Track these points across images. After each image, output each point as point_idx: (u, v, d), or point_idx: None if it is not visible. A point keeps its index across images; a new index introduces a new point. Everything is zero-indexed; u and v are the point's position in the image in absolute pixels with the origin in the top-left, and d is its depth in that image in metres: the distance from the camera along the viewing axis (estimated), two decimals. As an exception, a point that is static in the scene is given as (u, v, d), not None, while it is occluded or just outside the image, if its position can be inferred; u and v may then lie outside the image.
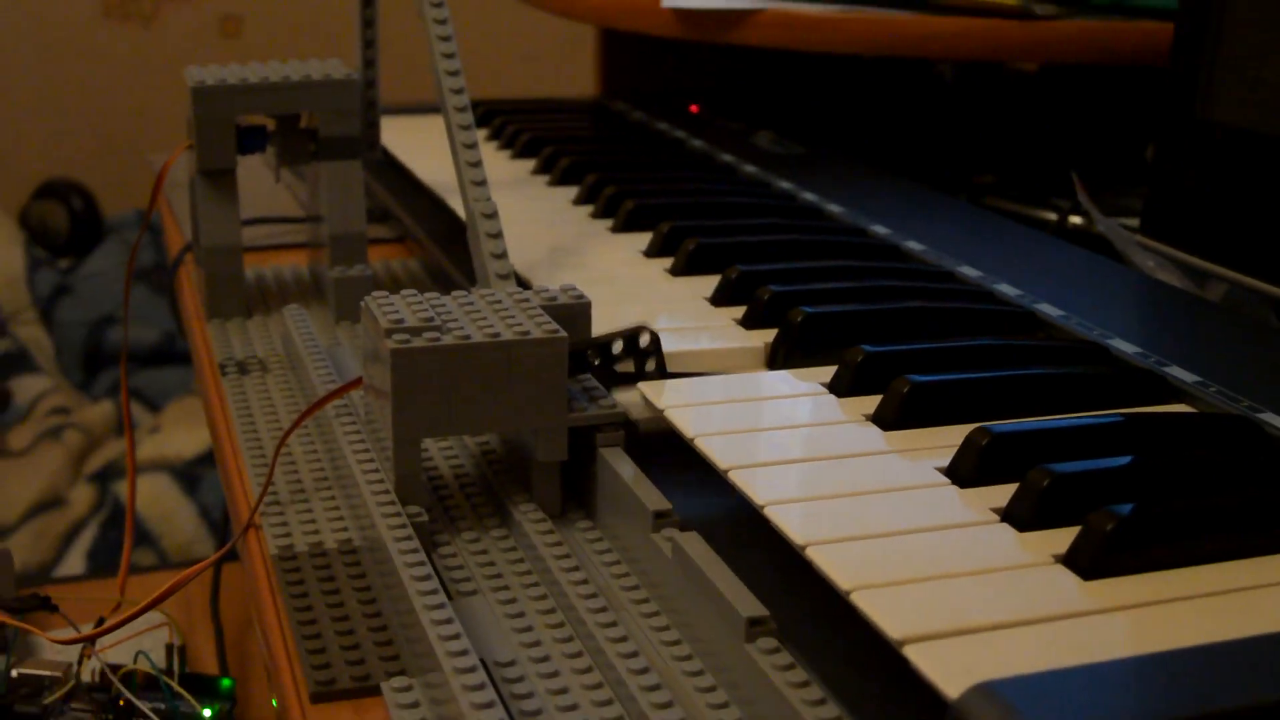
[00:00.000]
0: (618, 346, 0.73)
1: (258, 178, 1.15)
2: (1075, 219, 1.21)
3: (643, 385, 0.71)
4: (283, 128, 1.05)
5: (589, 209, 1.08)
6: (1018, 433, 0.63)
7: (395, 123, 1.38)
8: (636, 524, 0.66)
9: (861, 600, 0.53)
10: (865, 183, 1.13)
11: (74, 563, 1.71)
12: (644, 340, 0.73)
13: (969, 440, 0.63)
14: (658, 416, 0.70)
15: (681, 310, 0.85)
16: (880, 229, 0.99)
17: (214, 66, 1.04)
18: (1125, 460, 0.60)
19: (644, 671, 0.59)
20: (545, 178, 1.19)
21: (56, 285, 2.38)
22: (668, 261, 0.94)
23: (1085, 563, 0.53)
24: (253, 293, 1.09)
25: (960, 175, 1.38)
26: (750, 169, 1.18)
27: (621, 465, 0.69)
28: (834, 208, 1.05)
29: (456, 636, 0.58)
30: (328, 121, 1.02)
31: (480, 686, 0.55)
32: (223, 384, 0.93)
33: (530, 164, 1.23)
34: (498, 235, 0.85)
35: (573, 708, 0.58)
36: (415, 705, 0.59)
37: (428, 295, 0.73)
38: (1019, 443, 0.60)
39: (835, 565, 0.55)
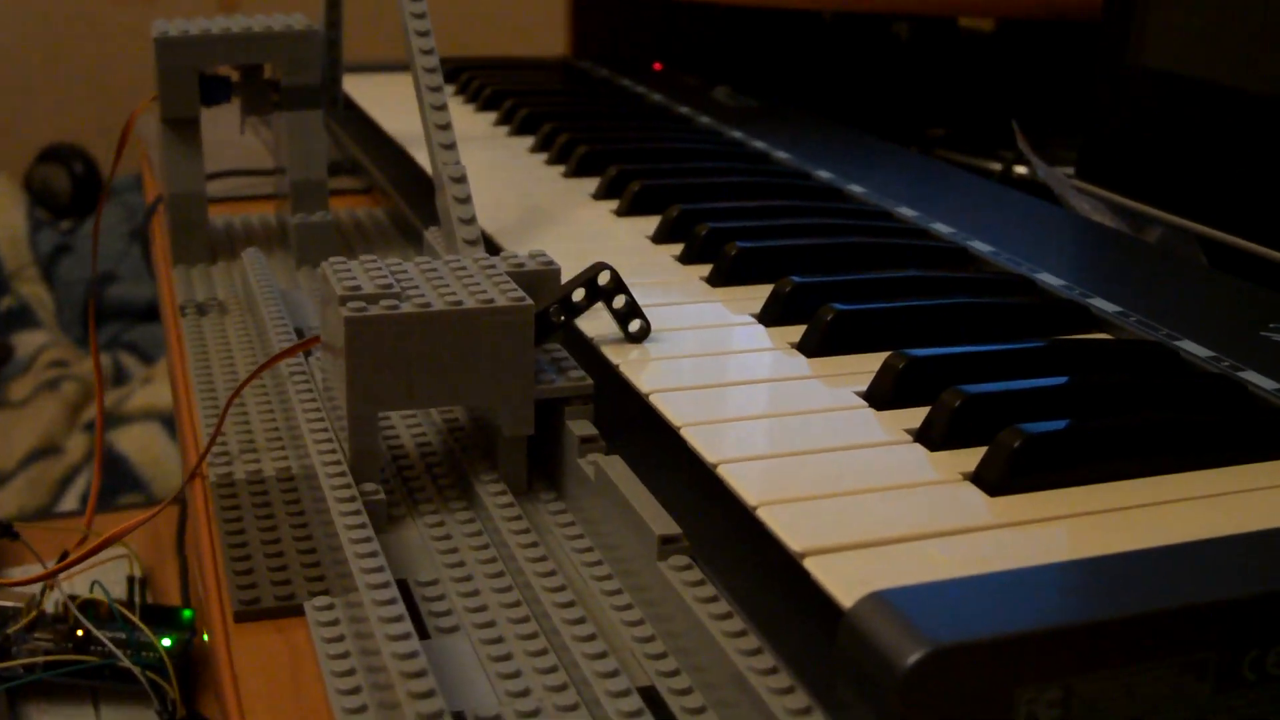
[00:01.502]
0: (579, 294, 0.67)
1: (234, 131, 1.13)
2: (1020, 169, 1.18)
3: (624, 366, 0.65)
4: (246, 78, 1.03)
5: (544, 156, 1.06)
6: (934, 357, 0.61)
7: (364, 79, 1.37)
8: (635, 535, 0.58)
9: (767, 515, 0.50)
10: (815, 133, 1.11)
11: (69, 505, 1.69)
12: (603, 279, 0.68)
13: (886, 364, 0.61)
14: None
15: (623, 247, 0.82)
16: (824, 174, 0.97)
17: (179, 20, 1.01)
18: (1039, 382, 0.58)
19: (560, 589, 0.57)
20: (506, 128, 1.17)
21: (57, 245, 2.35)
22: (616, 204, 0.91)
23: (993, 479, 0.51)
24: (220, 239, 1.07)
25: (913, 129, 1.35)
26: (705, 120, 1.15)
27: (605, 462, 0.62)
28: (781, 155, 1.02)
29: (374, 555, 0.56)
30: (289, 72, 1.00)
31: (392, 601, 0.53)
32: (181, 324, 0.90)
33: (492, 116, 1.21)
34: (466, 200, 0.81)
35: (489, 624, 0.55)
36: (335, 623, 0.56)
37: (389, 262, 0.68)
38: (935, 367, 0.58)
39: (744, 483, 0.52)
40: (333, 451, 0.64)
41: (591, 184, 0.96)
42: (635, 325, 0.67)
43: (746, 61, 1.50)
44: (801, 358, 0.65)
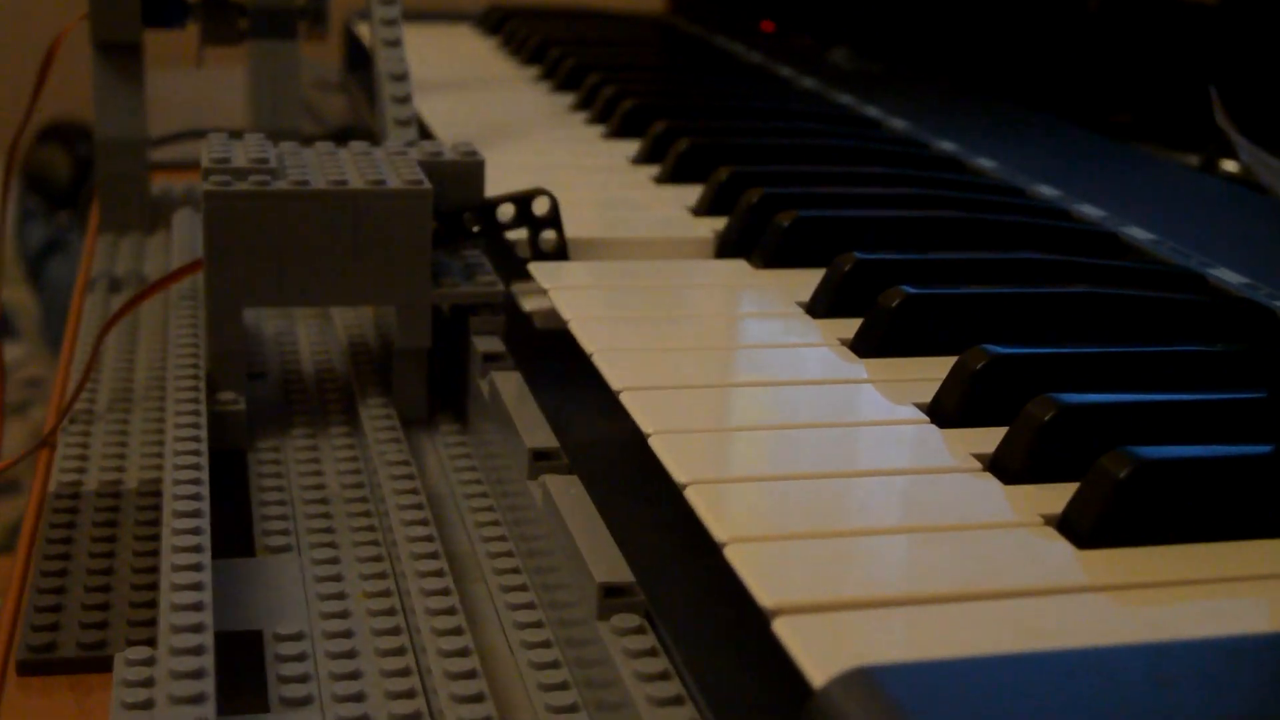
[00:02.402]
0: (507, 211, 0.67)
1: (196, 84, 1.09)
2: (1227, 164, 1.08)
3: (533, 265, 0.64)
4: None
5: (585, 115, 1.00)
6: (1026, 358, 0.53)
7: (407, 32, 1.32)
8: (511, 451, 0.59)
9: (737, 556, 0.42)
10: (947, 103, 1.06)
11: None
12: (540, 207, 0.67)
13: (960, 365, 0.52)
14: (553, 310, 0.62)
15: (654, 220, 0.76)
16: (947, 145, 0.89)
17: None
18: (1165, 397, 0.50)
19: (462, 654, 0.49)
20: (548, 83, 1.11)
21: (49, 240, 2.34)
22: (658, 169, 0.84)
23: (1085, 524, 0.44)
24: (167, 208, 1.01)
25: (1093, 114, 1.26)
26: (808, 84, 1.08)
27: (511, 388, 0.62)
28: (896, 123, 0.94)
29: (197, 593, 0.48)
30: None
31: (196, 651, 0.45)
32: (85, 303, 0.84)
33: (536, 70, 1.16)
34: (404, 100, 0.81)
35: (357, 697, 0.47)
36: (146, 683, 0.48)
37: (286, 144, 0.69)
38: (1027, 370, 0.52)
39: (714, 514, 0.44)
40: (193, 410, 0.61)
41: (634, 147, 0.89)
42: (547, 242, 0.68)
43: (885, 27, 1.42)
44: (854, 358, 0.57)
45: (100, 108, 0.96)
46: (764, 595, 0.40)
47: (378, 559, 0.56)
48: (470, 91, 1.09)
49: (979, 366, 0.52)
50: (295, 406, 0.68)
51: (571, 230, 0.69)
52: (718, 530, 0.43)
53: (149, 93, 0.99)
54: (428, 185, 0.63)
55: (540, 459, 0.57)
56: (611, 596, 0.48)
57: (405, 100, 0.80)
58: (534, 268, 0.63)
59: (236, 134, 0.87)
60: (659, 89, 1.02)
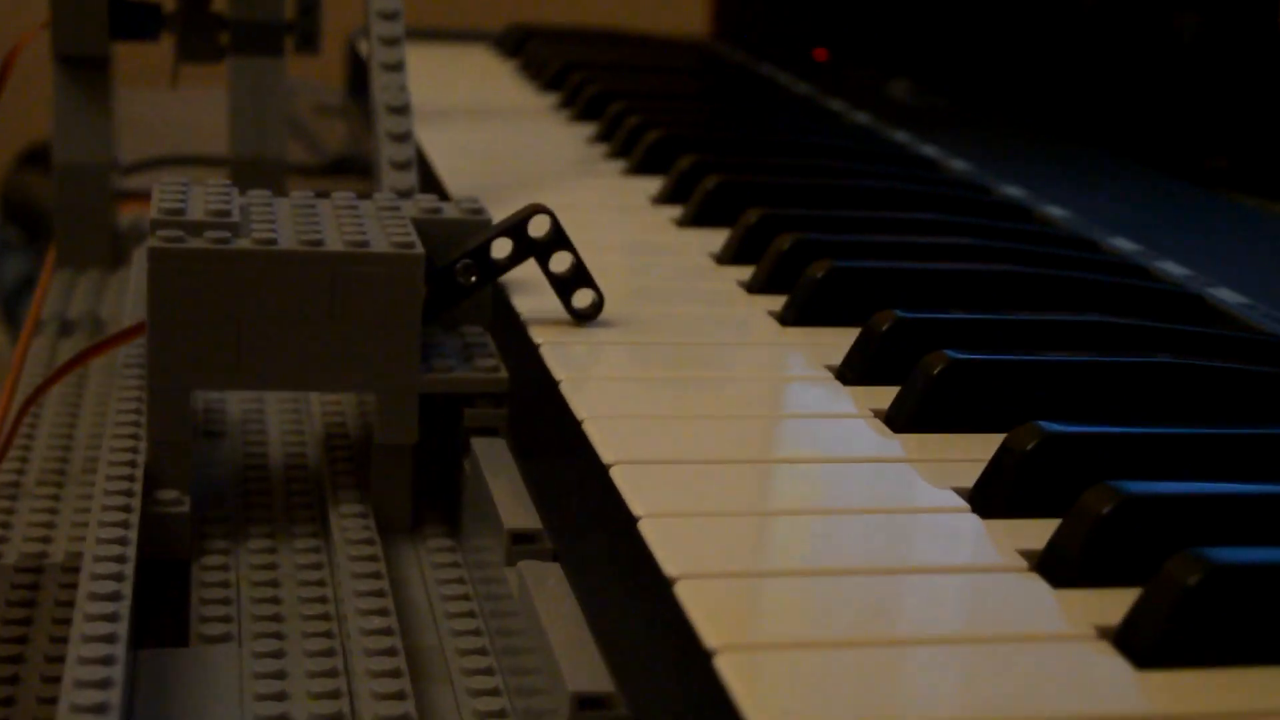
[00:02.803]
0: (502, 246, 0.63)
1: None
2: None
3: (536, 330, 0.61)
4: (186, 8, 0.97)
5: (605, 147, 0.97)
6: (1090, 437, 0.50)
7: (419, 53, 1.31)
8: (490, 531, 0.58)
9: (731, 668, 0.39)
10: (1015, 143, 1.04)
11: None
12: (538, 227, 0.63)
13: (1008, 445, 0.49)
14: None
15: (674, 270, 0.73)
16: (1012, 190, 0.86)
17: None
18: (1235, 489, 0.48)
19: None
20: (568, 111, 1.09)
21: (27, 275, 2.32)
22: (682, 210, 0.82)
23: (1146, 638, 0.41)
24: (129, 239, 0.99)
25: (1185, 157, 1.23)
26: (860, 119, 1.06)
27: (494, 461, 0.60)
28: (956, 164, 0.92)
29: (102, 692, 0.45)
30: (242, 1, 0.95)
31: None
32: (31, 347, 0.83)
33: (555, 98, 1.15)
34: (404, 138, 0.78)
35: None
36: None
37: (256, 193, 0.66)
38: (1092, 451, 0.49)
39: (708, 617, 0.41)
40: (123, 505, 0.57)
41: (657, 185, 0.86)
42: (584, 299, 0.63)
43: (950, 58, 1.40)
44: (888, 434, 0.54)
45: (60, 128, 0.95)
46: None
47: (328, 653, 0.53)
48: (479, 120, 1.07)
49: (1030, 447, 0.49)
50: (254, 509, 0.65)
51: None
52: (710, 636, 0.40)
53: (120, 114, 0.99)
54: (419, 249, 0.59)
55: (520, 542, 0.55)
56: (587, 709, 0.46)
57: (404, 139, 0.77)
58: (548, 351, 0.59)
59: (220, 161, 0.86)
60: (689, 120, 1.00)
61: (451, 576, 0.60)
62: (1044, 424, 0.49)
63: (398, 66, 0.79)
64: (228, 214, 0.60)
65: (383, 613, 0.54)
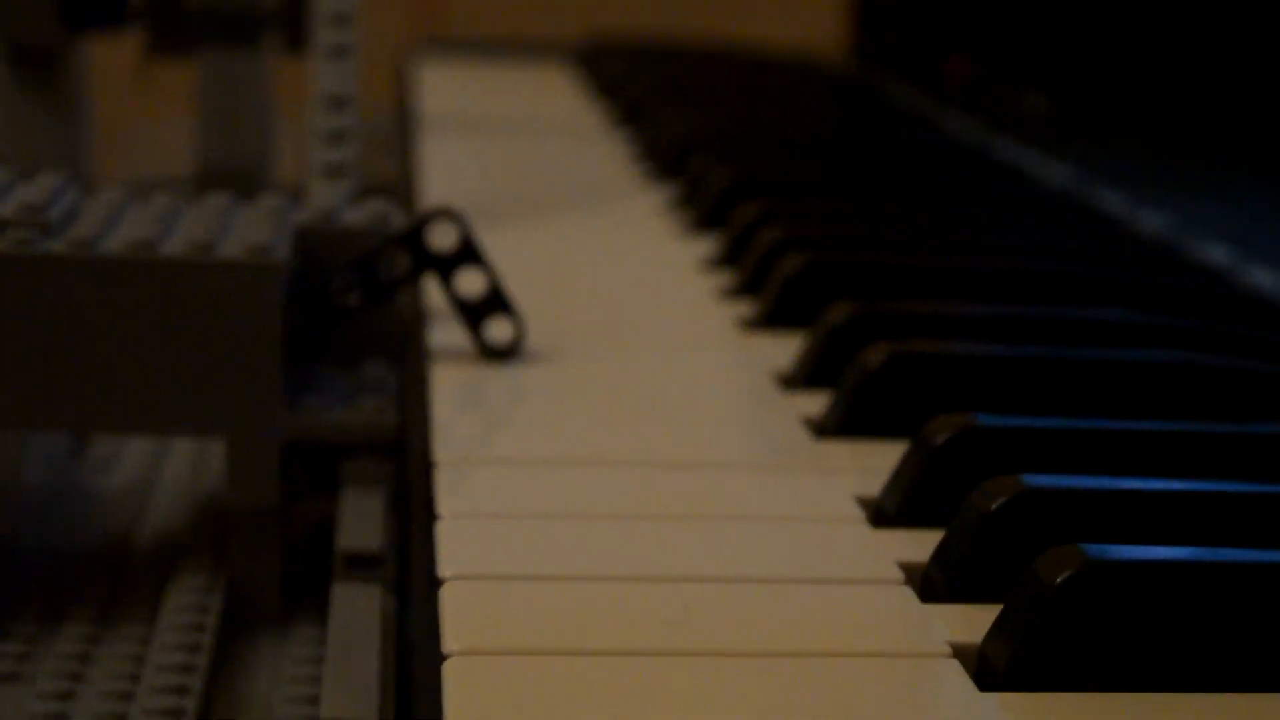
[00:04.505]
0: (397, 264, 0.59)
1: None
2: None
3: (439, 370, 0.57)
4: None
5: (668, 189, 0.91)
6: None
7: (452, 68, 1.31)
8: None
9: None
10: (1218, 180, 0.98)
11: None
12: (439, 237, 0.60)
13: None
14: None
15: (731, 390, 0.64)
16: (1217, 253, 0.79)
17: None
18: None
19: None
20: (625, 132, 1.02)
21: None
22: (735, 277, 0.74)
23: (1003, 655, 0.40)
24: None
25: None
26: (1007, 151, 1.01)
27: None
28: (1150, 218, 0.85)
29: None
30: None
31: None
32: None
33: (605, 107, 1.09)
34: (339, 137, 0.75)
35: None
36: None
37: (110, 190, 0.62)
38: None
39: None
40: None
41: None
42: (500, 330, 0.61)
43: (1095, 64, 1.33)
44: (913, 603, 0.45)
45: (11, 139, 0.92)
46: None
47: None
48: (507, 137, 1.03)
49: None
50: (72, 587, 0.58)
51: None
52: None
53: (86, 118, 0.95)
54: (280, 256, 0.54)
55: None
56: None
57: (340, 138, 0.71)
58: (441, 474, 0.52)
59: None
60: (769, 155, 0.93)
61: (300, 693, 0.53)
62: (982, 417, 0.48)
63: (344, 52, 0.74)
64: (43, 210, 0.56)
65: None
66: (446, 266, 0.59)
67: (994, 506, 0.45)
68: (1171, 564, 0.41)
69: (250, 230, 0.57)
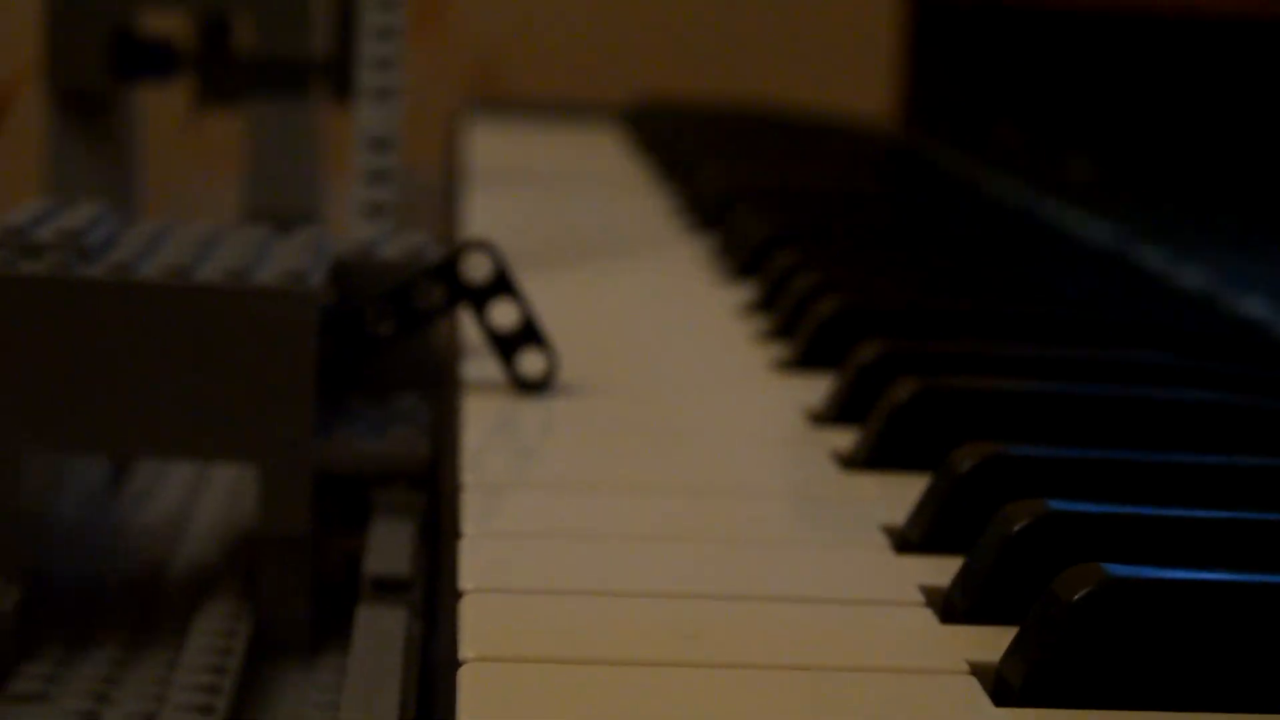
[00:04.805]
0: (432, 295, 0.59)
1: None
2: None
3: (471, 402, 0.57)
4: (206, 43, 0.97)
5: (708, 241, 0.91)
6: None
7: (493, 128, 1.30)
8: None
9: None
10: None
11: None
12: (475, 267, 0.60)
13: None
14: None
15: (754, 429, 0.62)
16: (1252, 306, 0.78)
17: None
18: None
19: None
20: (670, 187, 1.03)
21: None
22: (769, 323, 0.74)
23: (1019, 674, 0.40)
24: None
25: None
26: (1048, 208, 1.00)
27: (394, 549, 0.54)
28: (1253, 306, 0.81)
29: None
30: (266, 32, 0.93)
31: None
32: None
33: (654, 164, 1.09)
34: (384, 176, 0.73)
35: None
36: None
37: (151, 222, 0.62)
38: None
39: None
40: None
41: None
42: (533, 363, 0.61)
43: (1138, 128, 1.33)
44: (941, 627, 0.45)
45: (55, 179, 0.93)
46: None
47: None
48: (551, 189, 1.04)
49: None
50: (103, 612, 0.58)
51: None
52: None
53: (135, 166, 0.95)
54: (315, 283, 0.54)
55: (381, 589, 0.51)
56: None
57: (381, 178, 0.71)
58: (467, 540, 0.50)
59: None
60: (809, 209, 0.93)
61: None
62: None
63: (389, 94, 0.74)
64: (81, 236, 0.56)
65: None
66: (481, 298, 0.60)
67: (1016, 529, 0.45)
68: (1190, 584, 0.41)
69: (286, 259, 0.57)
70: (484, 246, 0.59)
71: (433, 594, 0.52)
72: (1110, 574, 0.40)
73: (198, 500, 0.68)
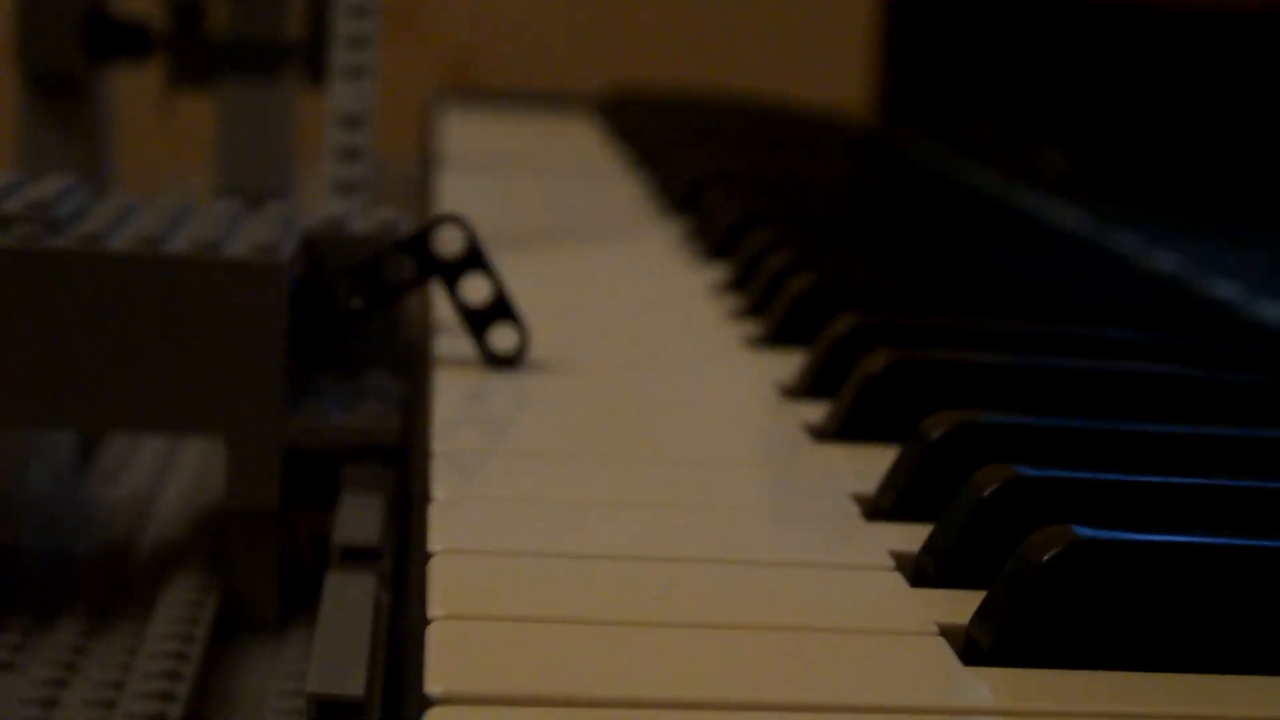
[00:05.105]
0: (402, 269, 0.59)
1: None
2: None
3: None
4: (176, 23, 0.95)
5: (683, 224, 0.91)
6: None
7: (468, 117, 1.30)
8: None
9: None
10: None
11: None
12: (447, 241, 0.59)
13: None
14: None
15: (728, 402, 0.62)
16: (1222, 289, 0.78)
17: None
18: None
19: None
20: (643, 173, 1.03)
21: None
22: (744, 302, 0.73)
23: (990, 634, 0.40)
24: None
25: None
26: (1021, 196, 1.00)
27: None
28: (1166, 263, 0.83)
29: None
30: (239, 14, 0.93)
31: None
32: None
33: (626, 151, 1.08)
34: (356, 155, 0.72)
35: None
36: None
37: (120, 195, 0.62)
38: None
39: None
40: None
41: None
42: (505, 338, 0.61)
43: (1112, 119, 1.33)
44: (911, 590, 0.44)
45: (27, 162, 0.91)
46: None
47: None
48: (524, 175, 1.03)
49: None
50: (71, 585, 0.58)
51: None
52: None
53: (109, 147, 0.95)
54: (284, 255, 0.54)
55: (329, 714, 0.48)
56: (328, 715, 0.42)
57: (354, 155, 0.71)
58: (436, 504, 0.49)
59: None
60: (781, 194, 0.92)
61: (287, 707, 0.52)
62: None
63: (361, 72, 0.73)
64: (50, 208, 0.56)
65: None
66: (452, 272, 0.59)
67: (986, 493, 0.45)
68: (1159, 545, 0.41)
69: (256, 232, 0.56)
70: (456, 220, 0.59)
71: (402, 567, 0.52)
72: (1080, 535, 0.41)
73: (165, 479, 0.68)
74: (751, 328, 0.69)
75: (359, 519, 0.52)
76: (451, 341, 0.62)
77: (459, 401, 0.57)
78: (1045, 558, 0.40)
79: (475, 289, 0.60)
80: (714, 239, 0.82)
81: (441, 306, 0.63)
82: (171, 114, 0.98)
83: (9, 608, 0.56)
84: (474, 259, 0.59)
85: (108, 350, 0.54)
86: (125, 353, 0.54)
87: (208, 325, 0.54)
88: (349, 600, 0.48)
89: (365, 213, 0.63)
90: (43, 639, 0.54)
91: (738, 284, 0.75)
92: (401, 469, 0.57)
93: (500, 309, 0.60)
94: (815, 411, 0.58)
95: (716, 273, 0.78)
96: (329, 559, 0.51)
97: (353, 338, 0.60)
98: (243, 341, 0.54)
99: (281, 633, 0.56)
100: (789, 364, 0.63)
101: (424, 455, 0.52)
